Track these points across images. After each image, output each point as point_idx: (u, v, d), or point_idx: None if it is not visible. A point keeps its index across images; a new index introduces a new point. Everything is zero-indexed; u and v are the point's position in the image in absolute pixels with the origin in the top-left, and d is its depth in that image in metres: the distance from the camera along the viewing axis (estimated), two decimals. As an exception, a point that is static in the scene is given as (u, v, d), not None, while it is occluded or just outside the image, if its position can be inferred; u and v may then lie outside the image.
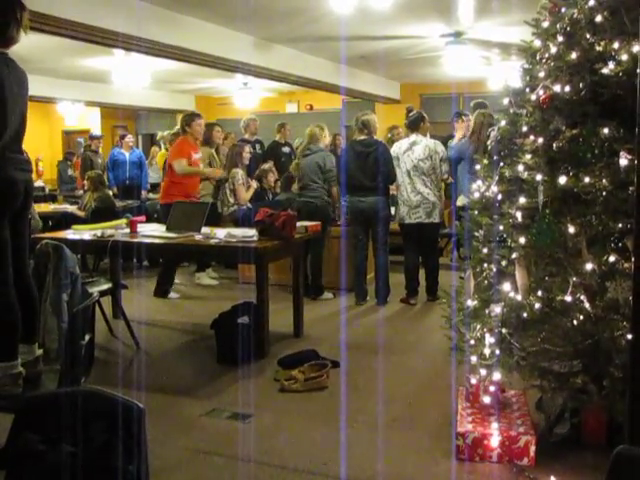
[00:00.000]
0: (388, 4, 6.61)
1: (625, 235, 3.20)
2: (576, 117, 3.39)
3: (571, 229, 3.29)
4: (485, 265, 3.81)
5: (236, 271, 8.04)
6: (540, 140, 3.47)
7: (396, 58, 10.30)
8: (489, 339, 3.52)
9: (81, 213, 8.38)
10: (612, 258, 3.21)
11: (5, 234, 3.15)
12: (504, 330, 3.45)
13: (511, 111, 3.77)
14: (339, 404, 4.19)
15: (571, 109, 3.41)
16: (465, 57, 9.03)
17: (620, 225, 3.21)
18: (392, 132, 8.78)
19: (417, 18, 7.79)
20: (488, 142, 3.95)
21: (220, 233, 5.49)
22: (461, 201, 6.62)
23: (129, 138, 11.44)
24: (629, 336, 2.51)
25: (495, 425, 3.51)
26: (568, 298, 3.27)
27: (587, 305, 3.24)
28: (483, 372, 3.56)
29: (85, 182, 8.95)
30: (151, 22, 6.86)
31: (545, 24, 3.68)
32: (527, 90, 3.71)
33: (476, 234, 3.88)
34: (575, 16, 3.46)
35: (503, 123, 3.79)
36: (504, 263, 3.61)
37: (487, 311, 3.61)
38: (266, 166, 8.82)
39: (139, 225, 5.84)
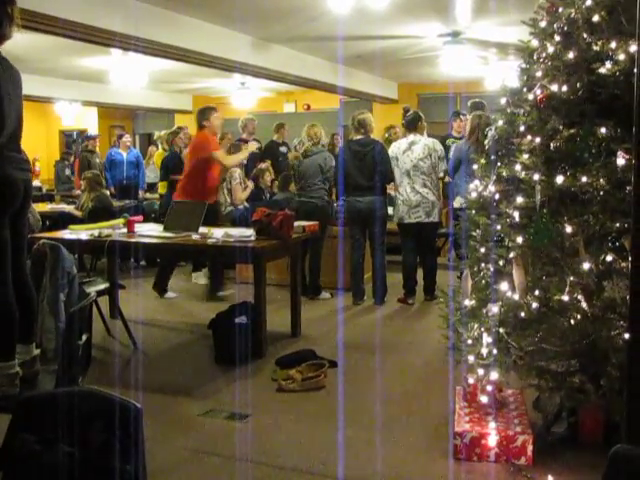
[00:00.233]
0: (385, 4, 6.62)
1: (622, 234, 3.20)
2: (573, 117, 3.40)
3: (568, 229, 3.29)
4: (482, 265, 3.81)
5: (233, 271, 8.04)
6: (537, 140, 3.48)
7: (393, 58, 10.31)
8: (486, 339, 3.52)
9: (78, 213, 8.37)
10: (609, 257, 3.22)
11: (5, 234, 3.14)
12: (501, 330, 3.46)
13: (508, 111, 3.77)
14: (337, 404, 4.19)
15: (568, 109, 3.41)
16: (462, 57, 9.04)
17: (617, 225, 3.21)
18: (389, 132, 8.80)
19: (414, 18, 7.80)
20: (486, 142, 3.95)
21: (217, 233, 5.49)
22: (458, 202, 6.62)
23: (126, 138, 11.43)
24: (626, 335, 2.51)
25: (493, 424, 3.51)
26: (565, 297, 3.27)
27: (584, 304, 3.24)
28: (481, 372, 3.57)
29: (82, 182, 8.94)
30: (149, 22, 6.87)
31: (542, 24, 3.68)
32: (524, 90, 3.71)
33: (473, 234, 3.89)
34: (572, 16, 3.46)
35: (500, 123, 3.80)
36: (501, 263, 3.61)
37: (484, 311, 3.61)
38: (263, 165, 8.81)
39: (136, 225, 5.83)
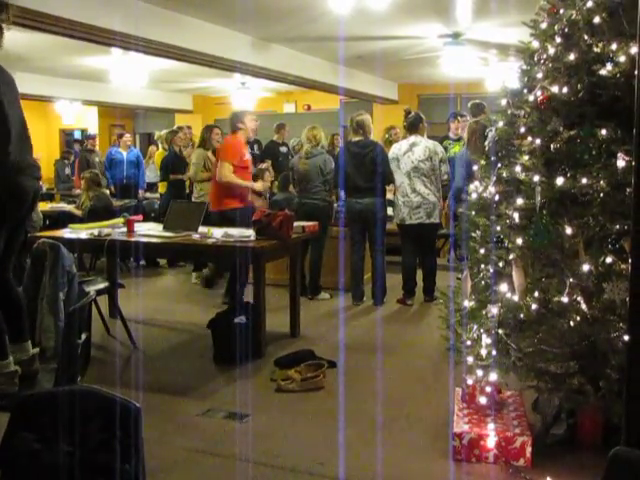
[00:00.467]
0: (386, 4, 6.62)
1: (622, 236, 3.20)
2: (574, 118, 3.40)
3: (568, 230, 3.29)
4: (482, 266, 3.81)
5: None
6: (538, 141, 3.48)
7: (394, 58, 10.31)
8: (486, 340, 3.52)
9: (78, 212, 8.37)
10: (609, 259, 3.22)
11: (1, 242, 3.14)
12: (501, 331, 3.46)
13: (509, 112, 3.77)
14: (336, 404, 4.19)
15: (569, 110, 3.41)
16: (463, 58, 9.04)
17: (617, 226, 3.21)
18: (389, 132, 8.79)
19: (415, 19, 7.80)
20: (486, 143, 3.95)
21: (217, 233, 5.49)
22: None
23: (127, 137, 11.43)
24: (626, 337, 2.51)
25: (491, 426, 3.51)
26: (565, 299, 3.27)
27: (584, 306, 3.24)
28: (480, 373, 3.56)
29: (82, 182, 8.94)
30: (149, 21, 6.87)
31: (543, 25, 3.68)
32: (525, 91, 3.71)
33: (473, 235, 3.89)
34: (573, 17, 3.46)
35: (501, 124, 3.79)
36: (501, 264, 3.61)
37: (484, 312, 3.61)
38: (263, 166, 8.80)
39: (136, 224, 5.83)
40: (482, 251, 3.78)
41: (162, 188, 9.86)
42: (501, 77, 4.02)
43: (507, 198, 3.61)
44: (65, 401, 1.94)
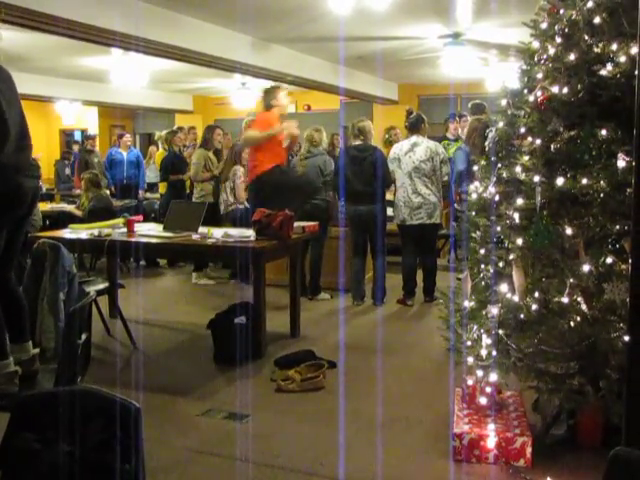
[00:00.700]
0: (386, 5, 6.61)
1: (622, 237, 3.20)
2: (574, 118, 3.40)
3: (568, 230, 3.29)
4: (482, 266, 3.81)
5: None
6: (538, 141, 3.48)
7: (394, 59, 10.31)
8: (486, 340, 3.52)
9: (79, 212, 8.38)
10: (609, 260, 3.22)
11: (1, 242, 3.14)
12: (501, 331, 3.46)
13: (509, 112, 3.77)
14: (336, 404, 4.18)
15: (569, 110, 3.41)
16: (463, 58, 9.03)
17: (617, 227, 3.22)
18: (389, 133, 8.81)
19: (415, 19, 7.80)
20: (486, 143, 3.95)
21: (217, 233, 5.49)
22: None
23: (127, 137, 11.44)
24: (626, 338, 2.51)
25: (492, 426, 3.51)
26: (565, 299, 3.27)
27: (584, 307, 3.24)
28: (480, 373, 3.56)
29: (82, 182, 8.94)
30: (149, 21, 6.86)
31: (543, 25, 3.68)
32: (525, 91, 3.71)
33: (473, 235, 3.89)
34: (573, 17, 3.46)
35: (501, 124, 3.79)
36: (501, 264, 3.61)
37: (484, 312, 3.61)
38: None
39: (136, 225, 5.83)
40: (482, 251, 3.78)
41: (162, 188, 9.87)
42: (501, 77, 4.01)
43: (507, 198, 3.61)
44: (65, 401, 1.94)
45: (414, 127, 6.95)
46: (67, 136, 16.79)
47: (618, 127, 3.23)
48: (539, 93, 3.52)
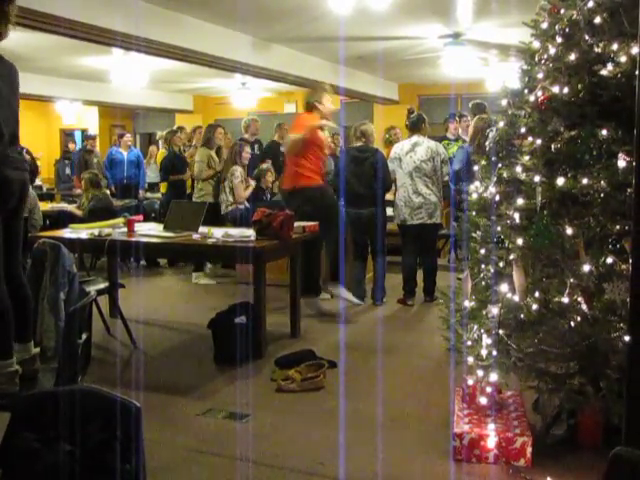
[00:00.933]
0: (386, 5, 6.62)
1: (623, 237, 3.20)
2: (574, 118, 3.40)
3: (569, 230, 3.29)
4: (483, 266, 3.81)
5: (233, 271, 8.05)
6: (538, 141, 3.48)
7: (394, 59, 10.31)
8: (486, 340, 3.52)
9: (79, 212, 8.38)
10: (610, 260, 3.22)
11: None
12: (501, 331, 3.46)
13: (509, 112, 3.77)
14: (336, 404, 4.18)
15: (569, 110, 3.41)
16: (463, 58, 9.04)
17: (618, 227, 3.22)
18: (390, 133, 8.80)
19: (415, 19, 7.80)
20: (486, 143, 3.95)
21: (217, 233, 5.49)
22: None
23: (127, 137, 11.44)
24: (626, 338, 2.51)
25: (492, 426, 3.51)
26: (565, 299, 3.27)
27: (584, 307, 3.24)
28: (480, 373, 3.56)
29: (82, 182, 8.95)
30: (150, 21, 6.87)
31: (544, 25, 3.68)
32: (525, 91, 3.71)
33: (474, 235, 3.89)
34: (574, 17, 3.46)
35: (501, 124, 3.80)
36: (502, 264, 3.61)
37: (484, 312, 3.61)
38: (264, 166, 8.82)
39: (136, 224, 5.83)
40: (483, 251, 3.78)
41: (164, 188, 9.88)
42: (502, 77, 4.02)
43: (508, 198, 3.61)
44: (66, 401, 1.94)
45: (415, 127, 6.94)
46: (67, 136, 16.79)
47: (619, 127, 3.23)
48: (539, 93, 3.52)
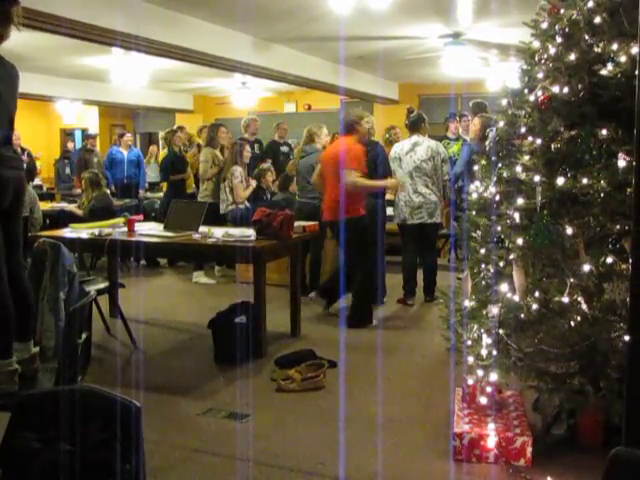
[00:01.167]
0: (387, 4, 6.62)
1: (623, 236, 3.20)
2: (574, 118, 3.40)
3: (569, 230, 3.29)
4: (483, 266, 3.81)
5: (233, 270, 8.05)
6: (538, 141, 3.48)
7: (395, 59, 10.32)
8: (486, 340, 3.52)
9: (79, 211, 8.38)
10: (610, 259, 3.22)
11: None
12: (501, 331, 3.45)
13: (509, 112, 3.77)
14: (336, 404, 4.18)
15: (569, 110, 3.41)
16: (464, 58, 9.04)
17: (618, 226, 3.21)
18: (390, 132, 8.78)
19: (416, 19, 7.80)
20: (486, 142, 3.95)
21: (218, 232, 5.49)
22: None
23: (127, 137, 11.45)
24: (626, 337, 2.51)
25: (492, 426, 3.51)
26: (565, 299, 3.27)
27: (584, 306, 3.24)
28: (480, 373, 3.56)
29: (82, 182, 8.95)
30: (150, 21, 6.87)
31: (544, 25, 3.68)
32: (526, 91, 3.71)
33: (474, 235, 3.89)
34: (574, 17, 3.46)
35: (501, 124, 3.80)
36: (502, 264, 3.61)
37: (484, 312, 3.61)
38: (264, 165, 8.82)
39: (136, 224, 5.83)
40: (483, 251, 3.78)
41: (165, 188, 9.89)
42: (502, 77, 4.01)
43: (508, 198, 3.61)
44: (65, 401, 1.94)
45: (414, 126, 6.94)
46: (68, 135, 16.80)
47: (618, 127, 3.23)
48: (539, 93, 3.52)
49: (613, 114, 3.26)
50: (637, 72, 2.32)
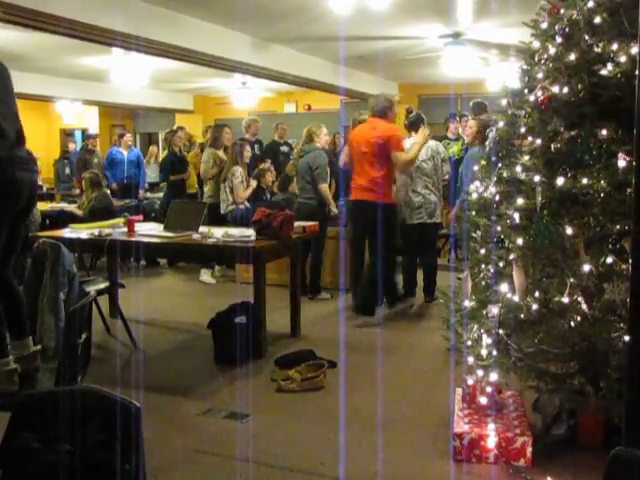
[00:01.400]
0: (386, 4, 6.61)
1: (623, 236, 3.20)
2: (574, 118, 3.40)
3: (569, 230, 3.29)
4: (483, 266, 3.81)
5: (233, 270, 8.05)
6: (538, 141, 3.48)
7: (394, 59, 10.31)
8: (486, 340, 3.52)
9: (79, 212, 8.38)
10: (609, 259, 3.21)
11: (2, 237, 3.13)
12: (501, 331, 3.45)
13: (509, 112, 3.77)
14: (336, 404, 4.18)
15: (569, 110, 3.41)
16: (463, 58, 9.04)
17: (618, 226, 3.21)
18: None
19: (416, 19, 7.80)
20: (486, 143, 3.95)
21: (217, 233, 5.49)
22: None
23: (127, 137, 11.43)
24: (626, 337, 2.51)
25: (492, 426, 3.51)
26: (565, 299, 3.27)
27: (584, 306, 3.24)
28: (480, 373, 3.56)
29: (82, 182, 8.95)
30: (150, 21, 6.87)
31: (544, 25, 3.68)
32: (525, 91, 3.71)
33: (474, 235, 3.89)
34: (574, 17, 3.46)
35: (501, 124, 3.80)
36: (502, 264, 3.61)
37: (484, 312, 3.61)
38: (264, 165, 8.82)
39: (136, 224, 5.83)
40: (483, 251, 3.78)
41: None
42: (502, 77, 4.01)
43: (508, 198, 3.61)
44: (65, 401, 1.94)
45: (413, 126, 6.93)
46: (68, 136, 16.79)
47: (618, 127, 3.23)
48: (539, 93, 3.52)
49: (613, 114, 3.26)
50: (637, 72, 2.32)
